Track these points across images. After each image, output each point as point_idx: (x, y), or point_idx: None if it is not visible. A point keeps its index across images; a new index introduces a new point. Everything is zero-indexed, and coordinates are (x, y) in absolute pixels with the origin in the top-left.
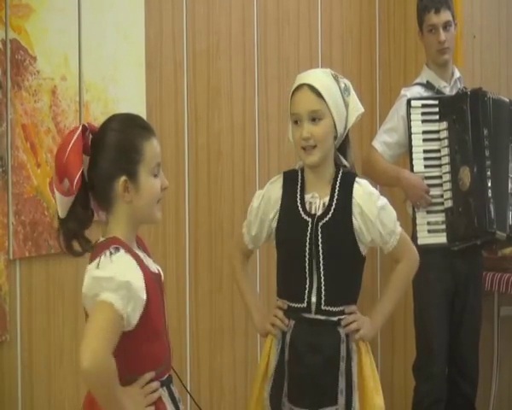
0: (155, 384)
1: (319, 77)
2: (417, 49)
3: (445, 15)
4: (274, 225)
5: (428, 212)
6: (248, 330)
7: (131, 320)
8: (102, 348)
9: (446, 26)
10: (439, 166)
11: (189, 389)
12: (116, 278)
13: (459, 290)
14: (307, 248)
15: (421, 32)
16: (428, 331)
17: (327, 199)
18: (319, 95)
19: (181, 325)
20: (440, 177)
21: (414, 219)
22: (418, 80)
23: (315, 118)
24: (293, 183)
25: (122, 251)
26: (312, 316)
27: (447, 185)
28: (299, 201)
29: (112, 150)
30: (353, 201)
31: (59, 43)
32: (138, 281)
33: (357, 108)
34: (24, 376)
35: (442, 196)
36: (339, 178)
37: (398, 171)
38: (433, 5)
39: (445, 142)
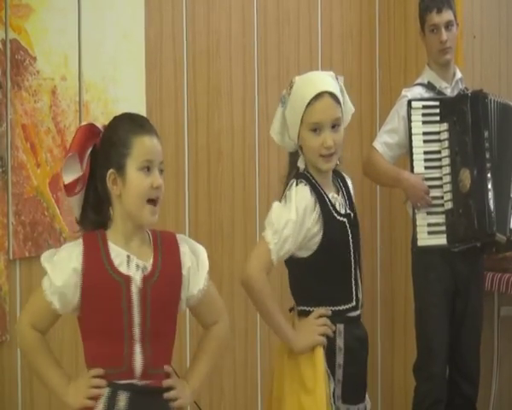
0: (98, 381)
1: (332, 83)
2: (417, 49)
3: (447, 15)
4: (314, 231)
5: (428, 213)
6: (248, 330)
7: (54, 304)
8: (24, 322)
9: (448, 25)
10: (440, 167)
11: None
12: (43, 262)
13: (460, 290)
14: (351, 248)
15: (422, 32)
16: (429, 331)
17: (340, 197)
18: (338, 102)
19: (181, 325)
20: (441, 178)
21: (414, 220)
22: (419, 81)
23: (335, 125)
24: (315, 186)
25: (78, 241)
26: (358, 312)
27: (447, 187)
28: (329, 202)
29: (104, 145)
30: (352, 194)
31: (59, 44)
32: (62, 269)
33: (350, 107)
34: (24, 376)
35: (442, 197)
36: (337, 178)
37: (399, 172)
38: (434, 5)
39: (446, 143)
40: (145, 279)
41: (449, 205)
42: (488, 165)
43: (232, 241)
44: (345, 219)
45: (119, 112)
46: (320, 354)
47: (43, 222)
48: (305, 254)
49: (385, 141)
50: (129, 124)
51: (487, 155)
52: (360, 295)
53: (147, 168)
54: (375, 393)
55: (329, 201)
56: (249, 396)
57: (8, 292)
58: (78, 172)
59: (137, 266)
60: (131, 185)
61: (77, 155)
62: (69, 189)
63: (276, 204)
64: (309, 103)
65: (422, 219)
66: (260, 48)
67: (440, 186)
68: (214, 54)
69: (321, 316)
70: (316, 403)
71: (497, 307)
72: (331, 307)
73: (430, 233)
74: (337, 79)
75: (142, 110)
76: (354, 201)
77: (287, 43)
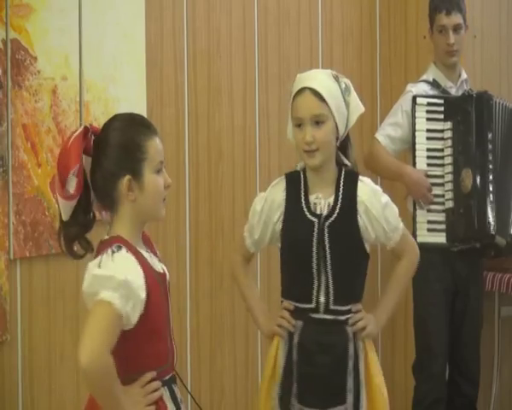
0: (156, 384)
1: (320, 79)
2: (418, 47)
3: (456, 18)
4: (278, 227)
5: (429, 211)
6: (249, 330)
7: (131, 319)
8: (100, 346)
9: (456, 28)
10: (442, 165)
11: (189, 388)
12: (116, 277)
13: (459, 291)
14: (314, 249)
15: (431, 30)
16: (428, 331)
17: (331, 199)
18: (321, 98)
19: (181, 325)
20: (442, 176)
21: (414, 216)
22: (424, 77)
23: (318, 121)
24: (296, 184)
25: (124, 250)
26: (321, 316)
27: (449, 186)
28: (303, 202)
29: (115, 150)
30: (358, 199)
31: (59, 43)
32: (138, 280)
33: (358, 107)
34: (24, 376)
35: (443, 195)
36: (342, 178)
37: (402, 166)
38: (444, 6)
39: (449, 142)
40: (166, 275)
41: (449, 204)
42: (490, 167)
43: (232, 240)
44: (314, 220)
45: (119, 111)
46: (275, 342)
47: (44, 222)
48: (279, 246)
49: (388, 134)
50: (136, 126)
51: (490, 157)
52: (323, 299)
53: (160, 169)
54: None
55: (305, 200)
56: (250, 396)
57: (8, 292)
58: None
59: (158, 262)
60: (150, 189)
61: (78, 166)
62: (72, 196)
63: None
64: (293, 99)
65: (422, 216)
66: (261, 47)
67: (442, 184)
68: (215, 53)
69: (286, 309)
70: (261, 385)
71: (498, 307)
72: (294, 303)
73: (430, 230)
74: (337, 78)
75: (142, 110)
76: (361, 208)
77: (287, 43)
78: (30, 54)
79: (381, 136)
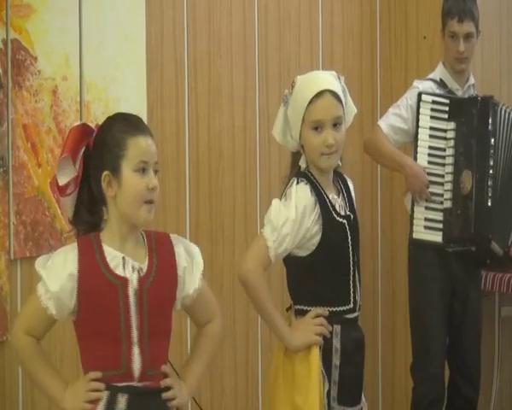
0: (97, 384)
1: (334, 82)
2: (418, 48)
3: (468, 26)
4: (311, 232)
5: (427, 208)
6: (249, 330)
7: (50, 310)
8: (19, 329)
9: (468, 36)
10: (443, 164)
11: None
12: (38, 268)
13: (457, 292)
14: (350, 250)
15: (442, 31)
16: (425, 331)
17: (340, 199)
18: (340, 100)
19: (182, 325)
20: (442, 176)
21: (412, 212)
22: (431, 76)
23: (336, 124)
24: (315, 186)
25: (71, 246)
26: (356, 314)
27: (448, 186)
28: (329, 203)
29: (98, 146)
30: (353, 196)
31: (60, 44)
32: (55, 274)
33: (352, 108)
34: (25, 376)
35: (442, 195)
36: (338, 178)
37: (403, 157)
38: (457, 13)
39: (451, 142)
40: (141, 281)
41: (448, 204)
42: (491, 172)
43: (233, 241)
44: (344, 221)
45: (120, 111)
46: (316, 353)
47: (44, 222)
48: (303, 253)
49: (392, 123)
50: (123, 124)
51: (491, 162)
52: (358, 298)
53: (142, 169)
54: (375, 393)
55: (329, 201)
56: (250, 396)
57: (9, 292)
58: (72, 173)
59: (133, 267)
60: (127, 187)
61: (70, 156)
62: (62, 189)
63: (275, 201)
64: (310, 101)
65: (420, 213)
66: (261, 48)
67: (441, 184)
68: (215, 54)
69: (318, 316)
70: (308, 402)
71: (498, 307)
72: (328, 308)
73: (426, 228)
74: (339, 78)
75: (142, 110)
76: (355, 203)
77: (287, 43)
78: (30, 54)
79: (384, 124)
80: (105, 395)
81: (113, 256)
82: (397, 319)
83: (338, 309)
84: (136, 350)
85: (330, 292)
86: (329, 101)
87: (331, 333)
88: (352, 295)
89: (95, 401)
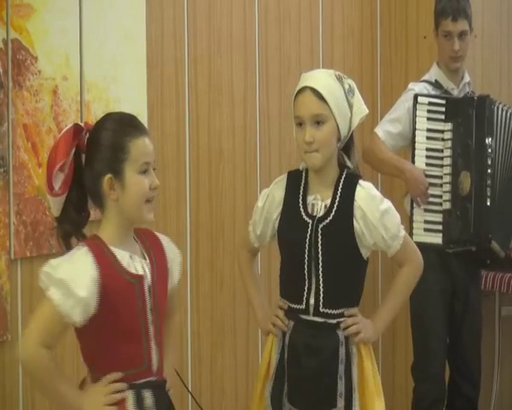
0: (119, 385)
1: (322, 79)
2: (418, 47)
3: (462, 25)
4: (277, 225)
5: (426, 210)
6: (250, 330)
7: (73, 317)
8: (34, 342)
9: (462, 34)
10: (441, 166)
11: (190, 388)
12: (53, 275)
13: (457, 292)
14: (306, 250)
15: (436, 31)
16: (426, 332)
17: (328, 201)
18: (322, 98)
19: (182, 325)
20: (441, 177)
21: (411, 215)
22: (426, 77)
23: (318, 121)
24: (296, 183)
25: (84, 249)
26: (310, 318)
27: (447, 187)
28: (301, 202)
29: (99, 149)
30: (355, 204)
31: (60, 43)
32: (79, 279)
33: (361, 109)
34: (25, 375)
35: (441, 196)
36: (342, 180)
37: (403, 162)
38: (451, 12)
39: (449, 143)
40: (151, 276)
41: (447, 205)
42: (489, 171)
43: (233, 240)
44: (309, 221)
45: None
46: (269, 339)
47: (45, 222)
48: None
49: (388, 130)
50: (123, 126)
51: (489, 162)
52: (312, 301)
53: (145, 170)
54: None
55: (302, 200)
56: (250, 396)
57: (9, 292)
58: (64, 173)
59: (141, 264)
60: (132, 189)
61: (64, 163)
62: (57, 193)
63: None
64: (295, 98)
65: (419, 216)
66: (261, 47)
67: (439, 185)
68: (215, 53)
69: (281, 307)
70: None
71: (498, 307)
72: (287, 302)
73: (426, 230)
74: (341, 78)
75: (143, 110)
76: (357, 211)
77: (288, 43)
78: (31, 54)
79: (380, 131)
80: (130, 394)
81: (122, 256)
82: (397, 319)
83: (291, 306)
84: (153, 345)
85: (286, 287)
86: (308, 98)
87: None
88: (304, 296)
89: (119, 402)
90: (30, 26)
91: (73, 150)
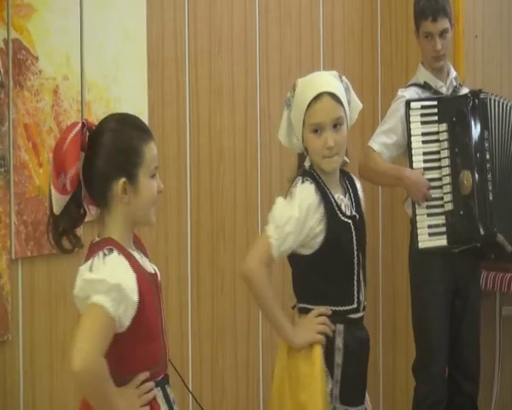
0: (150, 384)
1: (334, 83)
2: (419, 47)
3: (442, 23)
4: (315, 231)
5: (428, 215)
6: (250, 330)
7: (123, 322)
8: (93, 351)
9: (443, 33)
10: (439, 168)
11: (190, 388)
12: (107, 281)
13: (459, 290)
14: (355, 250)
15: (417, 33)
16: (429, 332)
17: (346, 199)
18: (339, 102)
19: (183, 325)
20: (440, 179)
21: (414, 222)
22: (414, 81)
23: (336, 125)
24: (320, 185)
25: (115, 253)
26: (360, 315)
27: (447, 188)
28: (334, 203)
29: (110, 151)
30: (360, 197)
31: (61, 43)
32: (130, 283)
33: (357, 105)
34: (26, 375)
35: (442, 198)
36: (345, 178)
37: (400, 170)
38: (430, 13)
39: (445, 144)
40: (157, 275)
41: (449, 206)
42: (488, 166)
43: (234, 240)
44: (349, 221)
45: (121, 111)
46: (318, 351)
47: (45, 222)
48: (307, 251)
49: (383, 141)
50: (135, 129)
51: (487, 156)
52: (362, 298)
53: (154, 174)
54: (376, 392)
55: (335, 201)
56: (251, 396)
57: (10, 292)
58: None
59: (149, 262)
60: (144, 193)
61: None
62: (64, 189)
63: (279, 199)
64: (309, 105)
65: (422, 222)
66: (262, 47)
67: (440, 187)
68: (216, 53)
69: (321, 315)
70: (312, 400)
71: (499, 306)
72: (332, 307)
73: (431, 235)
74: (341, 77)
75: (143, 109)
76: (363, 203)
77: (288, 43)
78: (31, 54)
79: (375, 144)
80: (158, 391)
81: (137, 256)
82: (398, 318)
83: (341, 309)
84: (165, 342)
85: (333, 291)
86: (328, 103)
87: (334, 332)
88: (355, 295)
89: (150, 403)
90: (30, 25)
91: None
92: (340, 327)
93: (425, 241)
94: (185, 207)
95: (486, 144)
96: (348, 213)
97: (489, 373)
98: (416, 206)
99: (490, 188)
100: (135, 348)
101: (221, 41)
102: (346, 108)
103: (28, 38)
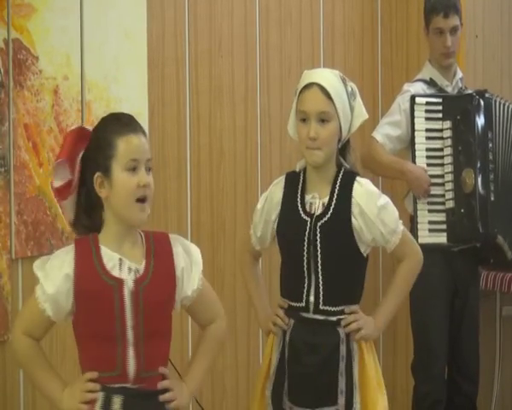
0: (91, 385)
1: (329, 78)
2: (419, 47)
3: (454, 20)
4: (275, 225)
5: (430, 211)
6: (250, 330)
7: (47, 312)
8: (17, 330)
9: (453, 30)
10: (442, 165)
11: None
12: (35, 270)
13: (459, 290)
14: (305, 248)
15: (426, 29)
16: (428, 332)
17: (326, 199)
18: (329, 96)
19: (183, 325)
20: (442, 176)
21: (415, 217)
22: (420, 76)
23: (323, 119)
24: (294, 184)
25: (70, 247)
26: (310, 316)
27: (449, 186)
28: (299, 201)
29: (92, 149)
30: (353, 200)
31: (61, 43)
32: (54, 276)
33: (361, 113)
34: (26, 375)
35: (443, 195)
36: (339, 178)
37: (403, 164)
38: (442, 9)
39: (448, 141)
40: (137, 282)
41: (450, 204)
42: (491, 166)
43: (234, 240)
44: (307, 219)
45: (121, 111)
46: (270, 339)
47: (46, 221)
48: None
49: (386, 133)
50: (113, 124)
51: (490, 157)
52: (312, 299)
53: (133, 168)
54: None
55: (300, 199)
56: (251, 396)
57: (10, 292)
58: (68, 177)
59: (129, 268)
60: (118, 187)
61: (66, 160)
62: (59, 193)
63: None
64: (300, 92)
65: (423, 217)
66: (262, 47)
67: (442, 184)
68: (216, 53)
69: (280, 306)
70: (254, 387)
71: (499, 306)
72: (287, 301)
73: (431, 231)
74: (345, 80)
75: (144, 109)
76: (355, 209)
77: (289, 42)
78: (31, 53)
79: (379, 134)
80: (100, 396)
81: (110, 257)
82: (397, 317)
83: (291, 304)
84: (131, 352)
85: (286, 285)
86: (315, 94)
87: (288, 326)
88: (304, 294)
89: (91, 402)
90: (31, 25)
91: (80, 154)
92: (291, 322)
93: (424, 236)
94: (185, 207)
95: (490, 145)
96: (312, 211)
97: (489, 373)
98: (418, 201)
99: (492, 188)
100: (84, 347)
101: (221, 41)
102: (339, 108)
103: (28, 37)
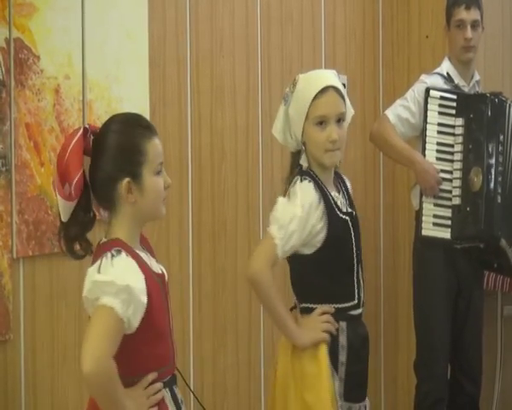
0: (158, 385)
1: (335, 78)
2: (420, 48)
3: (475, 14)
4: (317, 228)
5: (436, 205)
6: (251, 329)
7: (132, 323)
8: (103, 352)
9: (474, 25)
10: (451, 161)
11: (192, 388)
12: (116, 282)
13: (462, 290)
14: (354, 245)
15: (447, 26)
16: (431, 331)
17: (341, 196)
18: (343, 98)
19: (184, 325)
20: (451, 172)
21: (420, 209)
22: (438, 70)
23: (340, 120)
24: (318, 183)
25: (123, 254)
26: (360, 311)
27: (457, 182)
28: (332, 200)
29: (114, 152)
30: (352, 196)
31: (62, 42)
32: (139, 284)
33: (351, 108)
34: (27, 375)
35: (450, 191)
36: (336, 177)
37: (414, 153)
38: (464, 1)
39: (460, 138)
40: (165, 275)
41: (456, 201)
42: (500, 168)
43: (235, 240)
44: (347, 218)
45: (122, 111)
46: (324, 350)
47: (47, 221)
48: (308, 250)
49: (399, 114)
50: (136, 128)
51: (500, 159)
52: (362, 294)
53: (160, 171)
54: (378, 390)
55: (332, 199)
56: (252, 395)
57: (11, 291)
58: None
59: (156, 263)
60: (150, 191)
61: (80, 177)
62: (69, 197)
63: (281, 199)
64: (315, 97)
65: (429, 210)
66: (264, 47)
67: (450, 180)
68: (217, 53)
69: (324, 313)
70: (320, 400)
71: (501, 306)
72: (334, 305)
73: (435, 225)
74: (339, 77)
75: (145, 109)
76: (353, 202)
77: (290, 43)
78: (33, 53)
79: (391, 114)
80: (167, 392)
81: (144, 256)
82: (399, 315)
83: (343, 306)
84: (172, 343)
85: (335, 289)
86: (333, 97)
87: (337, 330)
88: (356, 291)
89: (159, 402)
90: (32, 25)
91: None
92: (343, 325)
93: (428, 229)
94: (187, 206)
95: (501, 148)
96: (344, 209)
97: (490, 373)
98: (424, 195)
99: (499, 191)
100: (143, 349)
101: (223, 41)
102: (347, 106)
103: (30, 37)
